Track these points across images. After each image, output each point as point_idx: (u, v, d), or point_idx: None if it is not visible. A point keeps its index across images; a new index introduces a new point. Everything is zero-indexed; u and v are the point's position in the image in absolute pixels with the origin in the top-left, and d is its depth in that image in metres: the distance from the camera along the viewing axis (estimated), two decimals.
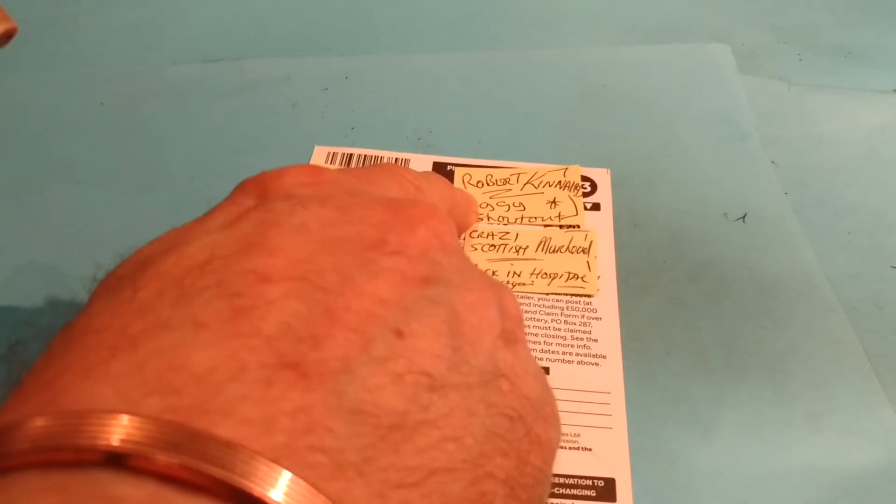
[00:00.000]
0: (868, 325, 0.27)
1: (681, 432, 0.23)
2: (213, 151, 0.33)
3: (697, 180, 0.31)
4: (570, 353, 0.25)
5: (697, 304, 0.27)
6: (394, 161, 0.32)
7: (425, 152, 0.33)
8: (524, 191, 0.30)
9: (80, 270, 0.19)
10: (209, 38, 0.39)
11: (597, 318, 0.26)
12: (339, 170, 0.19)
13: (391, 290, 0.14)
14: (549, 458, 0.16)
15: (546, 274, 0.27)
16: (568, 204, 0.30)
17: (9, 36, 0.20)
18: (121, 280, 0.14)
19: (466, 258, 0.17)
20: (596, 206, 0.30)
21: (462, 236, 0.29)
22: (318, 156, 0.32)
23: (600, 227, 0.29)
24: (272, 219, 0.15)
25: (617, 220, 0.30)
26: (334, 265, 0.14)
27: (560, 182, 0.31)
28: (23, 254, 0.28)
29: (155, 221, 0.17)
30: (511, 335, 0.16)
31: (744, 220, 0.30)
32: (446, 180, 0.26)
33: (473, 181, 0.31)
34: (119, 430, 0.11)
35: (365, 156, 0.32)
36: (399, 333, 0.14)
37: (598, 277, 0.27)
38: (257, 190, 0.17)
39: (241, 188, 0.17)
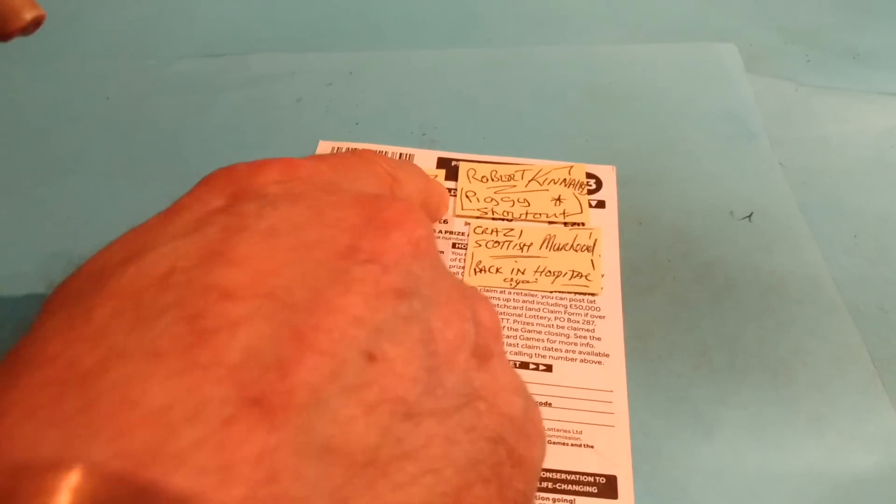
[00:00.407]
0: (872, 328, 0.26)
1: (682, 432, 0.23)
2: (218, 146, 0.33)
3: (703, 179, 0.31)
4: (574, 352, 0.25)
5: (701, 304, 0.27)
6: (398, 156, 0.32)
7: (430, 148, 0.32)
8: (529, 187, 0.30)
9: None
10: (214, 33, 0.39)
11: (600, 317, 0.26)
12: (313, 160, 0.18)
13: (363, 305, 0.13)
14: (532, 480, 0.16)
15: (550, 271, 0.27)
16: (573, 201, 0.30)
17: (37, 24, 0.20)
18: (75, 297, 0.13)
19: (440, 264, 0.16)
20: (601, 204, 0.30)
21: (437, 229, 0.28)
22: (323, 151, 0.32)
23: (605, 225, 0.29)
24: (238, 223, 0.14)
25: (622, 217, 0.30)
26: (303, 278, 0.13)
27: (565, 179, 0.31)
28: (28, 247, 0.28)
29: None
30: (485, 350, 0.15)
31: (750, 220, 0.30)
32: (421, 169, 0.24)
33: (478, 176, 0.31)
34: (58, 496, 0.10)
35: None
36: (371, 357, 0.13)
37: (602, 276, 0.27)
38: (227, 188, 0.16)
39: (210, 183, 0.16)
